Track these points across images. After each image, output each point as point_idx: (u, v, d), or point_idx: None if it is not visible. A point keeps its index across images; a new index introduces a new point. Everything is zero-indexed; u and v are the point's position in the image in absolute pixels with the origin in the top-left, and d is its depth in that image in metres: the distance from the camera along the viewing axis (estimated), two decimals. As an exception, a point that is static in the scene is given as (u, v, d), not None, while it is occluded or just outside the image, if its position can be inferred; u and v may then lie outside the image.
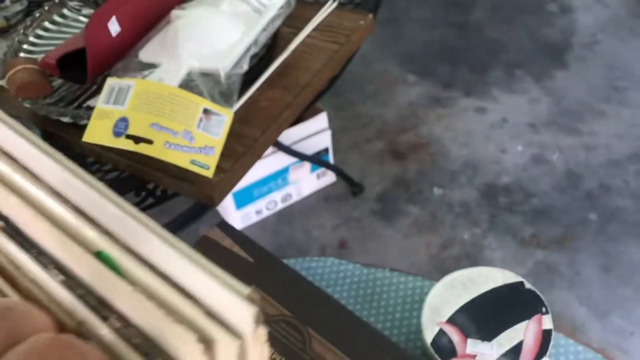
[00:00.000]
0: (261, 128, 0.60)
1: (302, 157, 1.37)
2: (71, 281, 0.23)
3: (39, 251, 0.24)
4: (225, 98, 0.57)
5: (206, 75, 0.58)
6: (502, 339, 0.48)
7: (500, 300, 0.50)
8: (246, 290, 0.19)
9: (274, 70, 0.66)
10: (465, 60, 1.88)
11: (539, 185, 1.51)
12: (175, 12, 0.62)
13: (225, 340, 0.20)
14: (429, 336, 0.48)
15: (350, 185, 1.52)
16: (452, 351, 0.48)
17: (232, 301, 0.19)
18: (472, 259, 1.37)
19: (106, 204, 0.23)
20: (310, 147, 1.40)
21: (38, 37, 0.71)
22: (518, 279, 0.51)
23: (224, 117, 0.56)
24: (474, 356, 0.47)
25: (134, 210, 0.22)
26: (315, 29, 0.71)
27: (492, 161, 1.58)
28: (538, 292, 0.50)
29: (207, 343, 0.20)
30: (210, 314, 0.20)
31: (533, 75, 1.79)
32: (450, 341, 0.48)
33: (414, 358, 0.50)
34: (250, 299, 0.19)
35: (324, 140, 1.44)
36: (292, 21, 0.70)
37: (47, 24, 0.72)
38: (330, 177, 1.53)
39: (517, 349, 0.47)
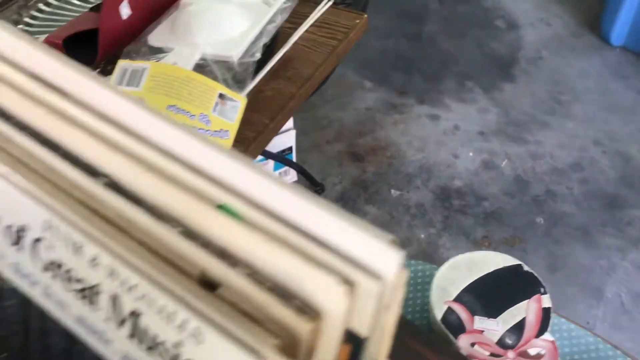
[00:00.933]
0: (270, 115, 0.62)
1: (269, 155, 1.38)
2: (191, 232, 0.24)
3: (149, 206, 0.25)
4: (238, 84, 0.58)
5: (219, 61, 0.59)
6: (506, 316, 0.52)
7: (502, 281, 0.54)
8: (388, 236, 0.22)
9: (277, 62, 0.68)
10: (418, 69, 1.95)
11: (489, 189, 1.59)
12: (184, 2, 0.63)
13: (366, 283, 0.21)
14: (438, 314, 0.51)
15: (312, 184, 1.54)
16: (461, 327, 0.51)
17: (374, 245, 0.21)
18: (429, 257, 1.43)
19: (226, 159, 0.25)
20: (275, 146, 1.42)
21: (33, 17, 0.70)
22: (516, 262, 0.55)
23: (238, 102, 0.57)
24: (482, 331, 0.51)
25: (259, 167, 0.24)
26: (313, 25, 0.73)
27: (445, 165, 1.64)
28: (535, 274, 0.54)
29: (348, 285, 0.21)
30: (349, 259, 0.22)
31: (482, 86, 1.88)
32: (458, 318, 0.51)
33: (424, 332, 0.52)
34: (393, 244, 0.21)
35: (289, 140, 1.46)
36: (291, 17, 0.72)
37: (42, 5, 0.71)
38: (292, 177, 1.54)
39: (520, 325, 0.51)
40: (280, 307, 0.22)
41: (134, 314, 0.23)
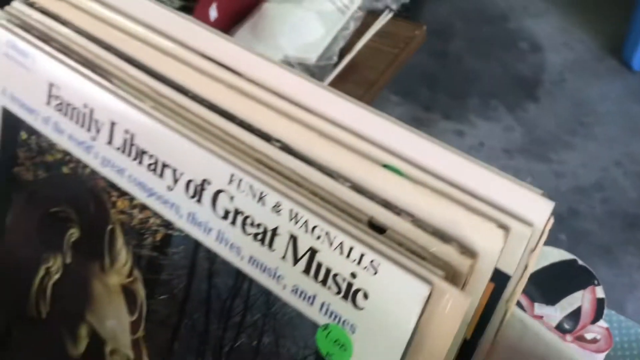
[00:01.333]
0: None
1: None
2: (358, 187, 0.29)
3: (319, 165, 0.30)
4: (318, 84, 0.63)
5: (300, 63, 0.64)
6: (563, 304, 0.56)
7: (558, 273, 0.59)
8: (540, 190, 0.26)
9: (343, 67, 0.73)
10: (443, 86, 2.00)
11: (514, 205, 1.63)
12: (267, 5, 0.68)
13: (519, 228, 0.26)
14: (501, 299, 0.56)
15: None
16: (522, 313, 0.55)
17: (527, 196, 0.26)
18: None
19: (390, 125, 0.30)
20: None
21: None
22: (572, 256, 0.60)
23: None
24: (542, 317, 0.55)
25: (420, 132, 0.29)
26: (375, 34, 0.78)
27: (471, 180, 1.69)
28: (590, 268, 0.59)
29: (504, 230, 0.26)
30: (504, 209, 0.27)
31: (507, 105, 1.93)
32: (520, 305, 0.56)
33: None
34: (543, 196, 0.26)
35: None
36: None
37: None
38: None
39: (576, 313, 0.56)
40: (444, 246, 0.26)
41: (312, 251, 0.28)
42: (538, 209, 0.26)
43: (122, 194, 0.35)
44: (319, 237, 0.28)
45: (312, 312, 0.29)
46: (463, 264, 0.26)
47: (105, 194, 0.35)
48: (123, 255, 0.36)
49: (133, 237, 0.35)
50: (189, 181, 0.32)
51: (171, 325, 0.35)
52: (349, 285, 0.27)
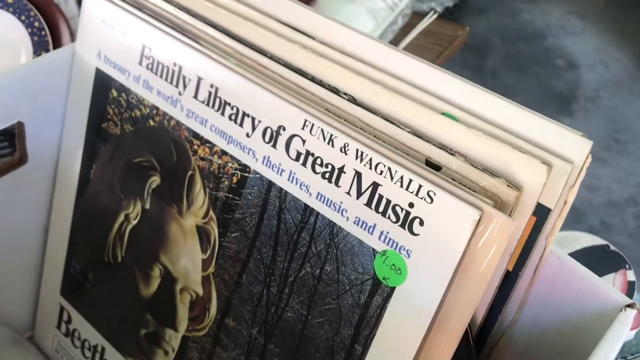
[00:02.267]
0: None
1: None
2: (417, 131, 0.33)
3: (384, 115, 0.34)
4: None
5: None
6: (595, 285, 0.59)
7: (591, 256, 0.61)
8: (580, 132, 0.30)
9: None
10: (479, 99, 2.03)
11: (545, 217, 1.65)
12: (320, 1, 0.73)
13: (560, 165, 0.30)
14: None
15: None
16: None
17: (568, 137, 0.30)
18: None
19: (447, 77, 0.34)
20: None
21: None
22: (604, 242, 0.63)
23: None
24: (574, 295, 0.58)
25: (474, 85, 0.33)
26: (420, 33, 0.83)
27: (503, 191, 1.71)
28: (621, 253, 0.62)
29: (547, 166, 0.30)
30: (547, 148, 0.30)
31: (541, 119, 1.95)
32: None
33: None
34: (583, 136, 0.30)
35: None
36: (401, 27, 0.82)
37: None
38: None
39: (607, 293, 0.58)
40: (493, 180, 0.30)
41: (374, 185, 0.32)
42: (578, 148, 0.30)
43: (204, 142, 0.39)
44: (381, 172, 0.32)
45: (372, 240, 0.33)
46: (510, 195, 0.30)
47: (187, 143, 0.40)
48: (200, 198, 0.40)
49: (211, 181, 0.39)
50: (266, 128, 0.36)
51: (240, 260, 0.39)
52: (407, 214, 0.31)
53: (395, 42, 0.80)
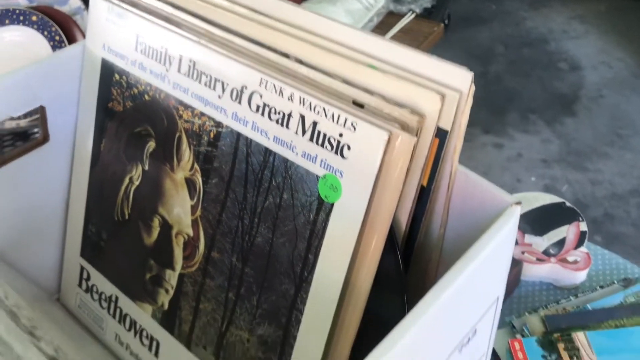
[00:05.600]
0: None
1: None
2: (347, 80, 0.42)
3: (323, 70, 0.43)
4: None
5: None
6: (550, 235, 0.66)
7: (548, 212, 0.69)
8: (464, 67, 0.38)
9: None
10: (484, 104, 2.10)
11: (550, 211, 1.70)
12: (304, 4, 0.83)
13: (451, 94, 0.38)
14: (496, 231, 0.66)
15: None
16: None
17: (454, 71, 0.38)
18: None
19: (371, 38, 0.42)
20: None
21: None
22: (560, 200, 0.70)
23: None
24: (530, 244, 0.65)
25: (387, 40, 0.42)
26: (399, 31, 0.92)
27: (509, 188, 1.76)
28: (576, 209, 0.69)
29: (441, 95, 0.38)
30: (441, 83, 0.39)
31: (545, 120, 2.01)
32: (511, 235, 0.66)
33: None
34: (467, 69, 0.38)
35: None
36: (380, 27, 0.91)
37: None
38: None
39: (561, 242, 0.65)
40: (401, 110, 0.39)
41: (314, 124, 0.41)
42: (463, 80, 0.38)
43: (187, 107, 0.48)
44: (318, 112, 0.41)
45: (315, 168, 0.41)
46: (413, 120, 0.38)
47: (174, 110, 0.49)
48: (187, 154, 0.49)
49: (194, 138, 0.49)
50: (233, 89, 0.45)
51: (220, 201, 0.48)
52: (338, 143, 0.40)
53: (374, 39, 0.89)
